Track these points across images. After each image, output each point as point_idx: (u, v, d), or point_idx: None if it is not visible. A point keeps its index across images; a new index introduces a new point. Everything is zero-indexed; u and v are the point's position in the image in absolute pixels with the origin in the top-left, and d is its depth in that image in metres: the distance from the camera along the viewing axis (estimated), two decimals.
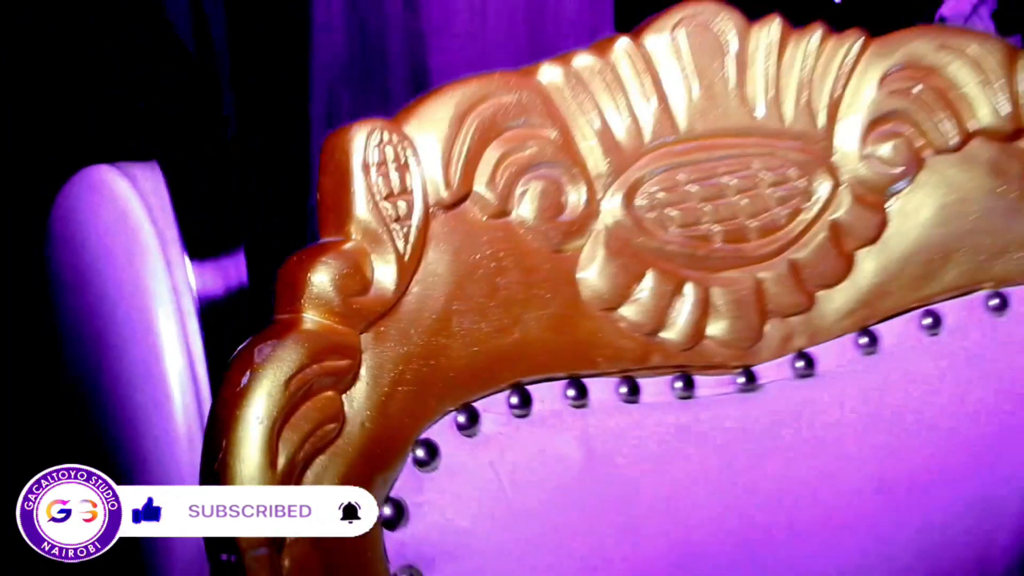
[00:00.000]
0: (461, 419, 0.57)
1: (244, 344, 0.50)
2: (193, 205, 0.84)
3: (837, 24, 0.67)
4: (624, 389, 0.63)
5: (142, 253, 0.81)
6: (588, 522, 0.60)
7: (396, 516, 0.54)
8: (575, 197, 0.60)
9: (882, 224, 0.68)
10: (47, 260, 0.84)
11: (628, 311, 0.62)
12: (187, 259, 0.84)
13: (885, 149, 0.67)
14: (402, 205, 0.54)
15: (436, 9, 2.47)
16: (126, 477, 0.92)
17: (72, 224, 0.83)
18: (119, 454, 0.91)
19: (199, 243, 0.85)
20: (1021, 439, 0.70)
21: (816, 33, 0.65)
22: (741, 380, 0.66)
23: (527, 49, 2.36)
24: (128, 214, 0.80)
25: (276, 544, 0.48)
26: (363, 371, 0.53)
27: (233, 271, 0.89)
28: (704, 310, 0.64)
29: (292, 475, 0.49)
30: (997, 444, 0.70)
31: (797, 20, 0.67)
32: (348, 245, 0.53)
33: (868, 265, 0.68)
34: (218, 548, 0.48)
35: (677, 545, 0.63)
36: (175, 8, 2.21)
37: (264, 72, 2.38)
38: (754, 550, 0.65)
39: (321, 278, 0.51)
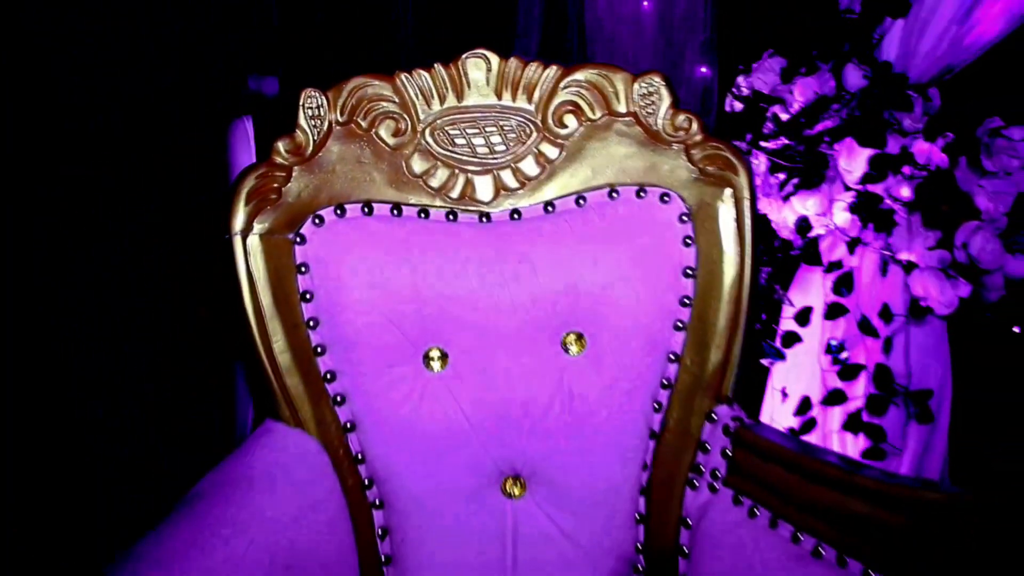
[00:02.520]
0: (337, 211, 1.40)
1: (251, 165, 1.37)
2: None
3: None
4: (423, 214, 1.43)
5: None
6: (393, 261, 1.41)
7: (301, 240, 1.38)
8: (404, 126, 1.42)
9: (561, 152, 1.43)
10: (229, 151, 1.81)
11: (429, 180, 1.43)
12: None
13: (566, 118, 1.43)
14: (317, 122, 1.39)
15: (600, 46, 3.29)
16: None
17: (233, 135, 1.78)
18: None
19: None
20: (618, 257, 1.42)
21: (535, 64, 1.43)
22: (484, 219, 1.44)
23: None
24: (249, 137, 1.75)
25: (245, 232, 1.34)
26: (293, 180, 1.38)
27: None
28: (467, 185, 1.43)
29: (254, 214, 1.35)
30: (615, 262, 1.43)
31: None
32: (296, 134, 1.38)
33: (551, 172, 1.44)
34: (224, 231, 1.34)
35: (420, 286, 1.41)
36: None
37: None
38: (453, 309, 1.42)
39: (278, 145, 1.37)
